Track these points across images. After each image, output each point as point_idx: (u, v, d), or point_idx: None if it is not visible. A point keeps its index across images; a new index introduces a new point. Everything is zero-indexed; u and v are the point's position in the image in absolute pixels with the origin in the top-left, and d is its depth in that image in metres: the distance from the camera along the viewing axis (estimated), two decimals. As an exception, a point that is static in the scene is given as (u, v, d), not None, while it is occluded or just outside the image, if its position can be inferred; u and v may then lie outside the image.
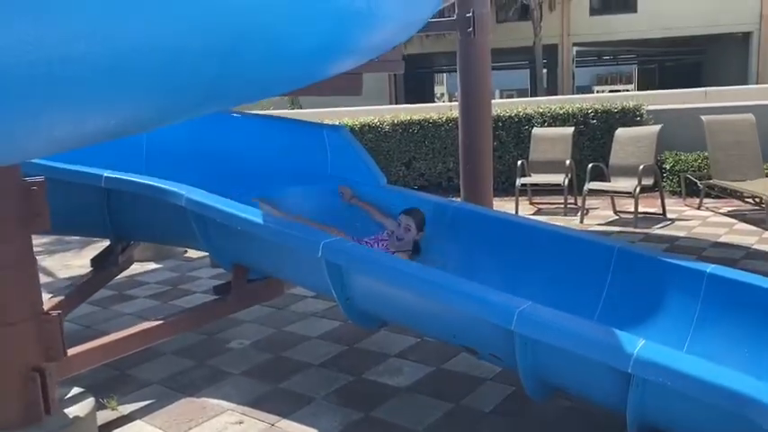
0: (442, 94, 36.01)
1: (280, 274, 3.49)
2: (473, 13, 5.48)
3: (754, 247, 5.65)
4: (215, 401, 3.22)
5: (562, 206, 7.71)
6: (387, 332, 4.01)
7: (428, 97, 29.14)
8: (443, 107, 10.93)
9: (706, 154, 7.56)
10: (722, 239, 5.97)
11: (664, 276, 3.08)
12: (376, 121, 9.60)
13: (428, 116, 9.43)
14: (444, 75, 34.24)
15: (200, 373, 3.59)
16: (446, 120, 9.18)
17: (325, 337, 4.05)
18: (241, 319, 4.37)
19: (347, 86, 3.87)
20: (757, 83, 17.20)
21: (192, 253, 6.38)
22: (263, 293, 3.80)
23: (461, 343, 2.92)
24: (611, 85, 36.02)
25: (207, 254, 3.83)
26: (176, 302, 4.85)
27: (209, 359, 3.77)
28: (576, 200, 7.84)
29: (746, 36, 19.28)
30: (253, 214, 3.01)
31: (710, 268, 2.98)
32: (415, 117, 9.49)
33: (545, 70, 23.35)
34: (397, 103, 18.60)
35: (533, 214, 7.50)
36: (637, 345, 2.14)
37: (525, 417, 2.96)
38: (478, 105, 5.93)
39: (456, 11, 5.73)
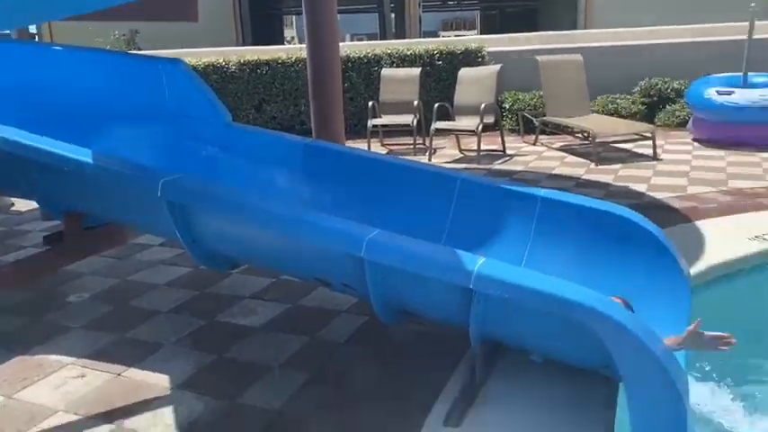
0: (293, 38, 35.08)
1: (118, 218, 3.26)
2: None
3: (583, 177, 6.16)
4: (53, 357, 3.00)
5: (412, 146, 7.90)
6: (240, 274, 3.93)
7: (278, 40, 28.24)
8: (293, 48, 10.65)
9: (541, 93, 8.04)
10: (555, 171, 6.44)
11: (502, 202, 3.26)
12: (221, 61, 9.16)
13: (277, 56, 9.15)
14: (293, 17, 33.33)
15: (34, 329, 3.31)
16: (296, 60, 8.97)
17: (175, 284, 3.88)
18: (80, 272, 4.07)
19: (181, 9, 3.58)
20: (585, 28, 18.45)
21: (22, 204, 5.81)
22: (102, 242, 3.56)
23: (315, 276, 2.93)
24: (456, 30, 37.11)
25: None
26: (2, 258, 4.40)
27: (45, 314, 3.48)
28: (424, 140, 8.06)
29: (575, -15, 20.53)
30: (81, 153, 2.76)
31: (543, 192, 3.20)
32: (264, 57, 9.17)
33: (393, 15, 23.45)
34: (244, 46, 17.85)
35: (385, 154, 7.62)
36: (477, 262, 2.25)
37: (379, 343, 3.05)
38: (326, 46, 5.81)
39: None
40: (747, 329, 3.38)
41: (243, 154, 3.60)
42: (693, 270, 3.58)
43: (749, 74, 7.27)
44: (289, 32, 35.54)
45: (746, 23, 7.21)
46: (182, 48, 10.73)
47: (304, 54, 8.42)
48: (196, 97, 3.72)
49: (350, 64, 8.96)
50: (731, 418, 2.75)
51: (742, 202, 5.00)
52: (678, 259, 2.89)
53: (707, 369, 3.02)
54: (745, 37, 7.25)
